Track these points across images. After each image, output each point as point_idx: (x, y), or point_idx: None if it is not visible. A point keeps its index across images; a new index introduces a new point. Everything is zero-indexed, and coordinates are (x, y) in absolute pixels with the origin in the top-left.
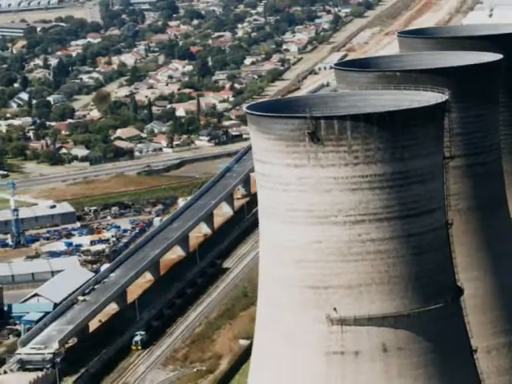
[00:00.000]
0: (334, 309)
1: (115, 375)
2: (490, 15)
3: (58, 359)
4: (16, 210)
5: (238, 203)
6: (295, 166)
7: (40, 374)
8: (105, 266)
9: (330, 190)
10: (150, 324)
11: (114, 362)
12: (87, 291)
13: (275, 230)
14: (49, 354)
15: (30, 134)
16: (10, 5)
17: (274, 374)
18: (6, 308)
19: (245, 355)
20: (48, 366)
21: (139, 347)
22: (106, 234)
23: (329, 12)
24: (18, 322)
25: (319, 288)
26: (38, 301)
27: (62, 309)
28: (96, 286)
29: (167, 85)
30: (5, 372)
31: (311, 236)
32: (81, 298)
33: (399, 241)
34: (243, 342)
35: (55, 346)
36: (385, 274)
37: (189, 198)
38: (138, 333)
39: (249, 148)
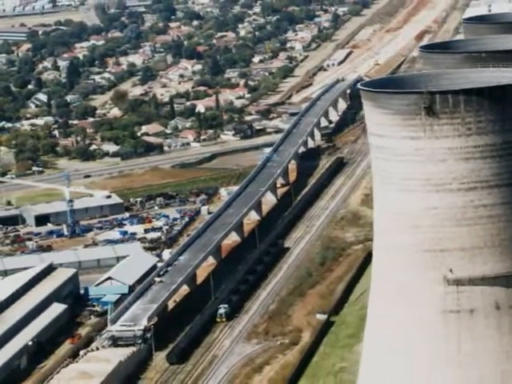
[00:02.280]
0: (450, 270)
1: (203, 349)
2: (489, 10)
3: (149, 335)
4: (71, 200)
5: (279, 191)
6: (411, 138)
7: (132, 349)
8: (166, 251)
9: (444, 160)
10: (230, 298)
11: (199, 337)
12: (162, 273)
13: (392, 198)
14: (139, 330)
15: (56, 132)
16: (4, 10)
17: (391, 333)
18: (82, 291)
19: (325, 328)
20: (139, 341)
21: (224, 319)
22: (157, 223)
23: (326, 11)
24: (95, 303)
25: (435, 251)
26: (111, 284)
27: (142, 290)
28: (168, 269)
29: (180, 83)
30: (97, 348)
31: (428, 203)
32: (157, 279)
33: (509, 206)
34: (320, 317)
35: (144, 322)
36: (496, 237)
37: (230, 187)
38: (221, 306)
39: (283, 139)
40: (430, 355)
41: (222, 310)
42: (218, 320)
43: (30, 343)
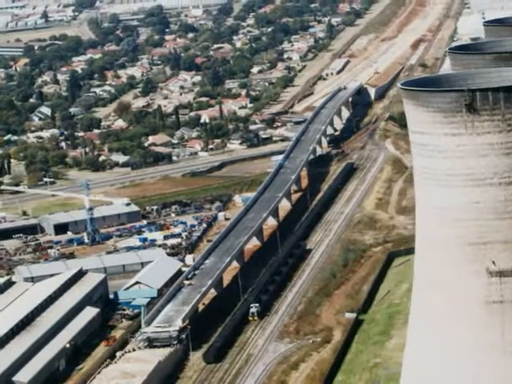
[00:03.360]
0: (493, 262)
1: (237, 349)
2: (483, 18)
3: (184, 336)
4: (91, 209)
5: (293, 197)
6: (453, 135)
7: (169, 349)
8: (189, 257)
9: (486, 155)
10: (260, 298)
11: (233, 337)
12: (190, 276)
13: (434, 193)
14: (174, 331)
15: (63, 144)
16: None
17: (435, 326)
18: (111, 296)
19: (355, 326)
20: (174, 342)
21: (255, 318)
22: (176, 230)
23: (320, 22)
24: (125, 307)
25: (478, 244)
26: (140, 288)
27: (173, 292)
28: (196, 272)
29: (181, 94)
30: (133, 350)
31: (470, 197)
32: (186, 282)
33: None
34: (349, 315)
35: (179, 323)
36: None
37: (244, 194)
38: (252, 305)
39: (293, 146)
40: (474, 346)
41: (254, 309)
42: (250, 319)
43: (68, 346)
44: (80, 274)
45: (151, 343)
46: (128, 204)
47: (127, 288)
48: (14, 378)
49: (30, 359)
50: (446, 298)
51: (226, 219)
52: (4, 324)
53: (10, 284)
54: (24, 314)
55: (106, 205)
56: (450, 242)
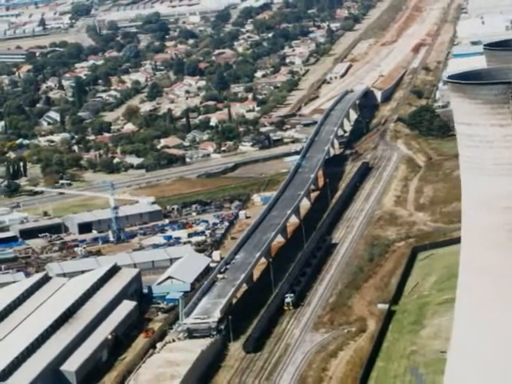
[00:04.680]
0: None
1: (275, 339)
2: (483, 23)
3: (222, 326)
4: (116, 207)
5: (312, 196)
6: (500, 126)
7: (209, 340)
8: (216, 253)
9: None
10: (293, 289)
11: (269, 327)
12: (222, 270)
13: (481, 182)
14: (213, 322)
15: (75, 147)
16: None
17: (483, 311)
18: (145, 290)
19: (388, 316)
20: (214, 333)
21: (291, 307)
22: (198, 228)
23: (319, 27)
24: (159, 301)
25: None
26: (172, 282)
27: (207, 286)
28: (227, 267)
29: (187, 99)
30: (173, 340)
31: None
32: (220, 276)
33: None
34: (381, 306)
35: (217, 315)
36: None
37: (262, 193)
38: (287, 295)
39: (308, 147)
40: None
41: (289, 299)
42: (286, 308)
43: (109, 337)
44: (114, 270)
45: (191, 334)
46: (154, 203)
47: (160, 283)
48: (62, 368)
49: (75, 350)
50: (492, 282)
51: (247, 217)
52: (47, 317)
53: (46, 279)
54: (65, 307)
55: (128, 204)
56: (497, 228)
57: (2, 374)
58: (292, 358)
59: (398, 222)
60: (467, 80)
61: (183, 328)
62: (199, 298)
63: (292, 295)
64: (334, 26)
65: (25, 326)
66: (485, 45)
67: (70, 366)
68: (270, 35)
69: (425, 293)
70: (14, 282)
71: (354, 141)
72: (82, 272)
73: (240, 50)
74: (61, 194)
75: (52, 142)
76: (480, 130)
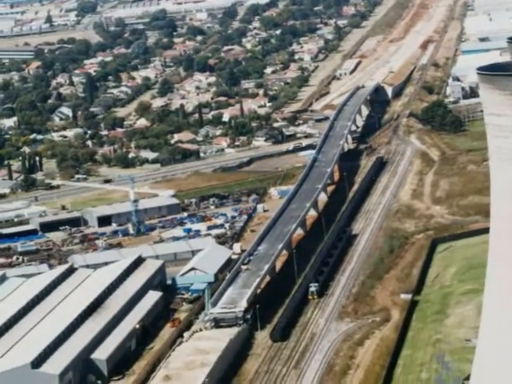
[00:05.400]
0: None
1: (300, 328)
2: (490, 19)
3: (249, 316)
4: (136, 201)
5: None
6: None
7: (236, 329)
8: (236, 245)
9: None
10: (317, 278)
11: (295, 317)
12: (246, 262)
13: (511, 172)
14: (240, 311)
15: (89, 142)
16: (2, 31)
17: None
18: (169, 281)
19: (412, 306)
20: (240, 322)
21: (315, 296)
22: (217, 221)
23: (326, 24)
24: (184, 292)
25: None
26: (195, 274)
27: (232, 277)
28: (250, 258)
29: (198, 94)
30: (200, 330)
31: None
32: (244, 267)
33: None
34: (404, 296)
35: (244, 304)
36: None
37: (279, 187)
38: (311, 284)
39: (323, 141)
40: None
41: (313, 288)
42: (310, 298)
43: (137, 326)
44: (139, 261)
45: (217, 323)
46: (173, 196)
47: (183, 274)
48: (93, 356)
49: (105, 339)
50: None
51: (265, 211)
52: (75, 307)
53: (72, 270)
54: (93, 297)
55: (147, 198)
56: None
57: (35, 362)
58: (319, 347)
59: (415, 215)
60: (495, 71)
61: (210, 317)
62: (224, 288)
63: (316, 284)
64: (341, 22)
65: (54, 315)
66: (508, 38)
67: (101, 354)
68: (278, 32)
69: (446, 283)
70: (39, 273)
71: (367, 136)
72: (105, 264)
73: (248, 46)
74: (82, 187)
75: (65, 137)
76: (509, 120)
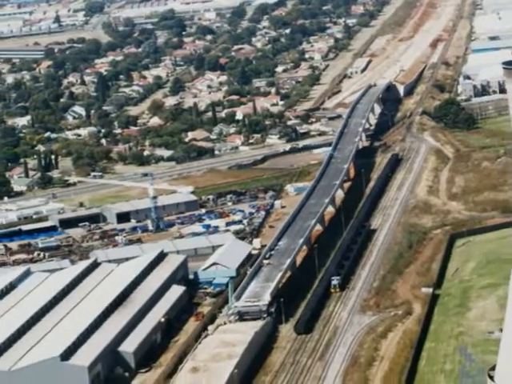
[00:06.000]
0: None
1: (323, 321)
2: (499, 18)
3: (273, 309)
4: (155, 197)
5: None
6: None
7: (260, 322)
8: (256, 240)
9: None
10: (338, 272)
11: (317, 310)
12: (267, 256)
13: None
14: (264, 305)
15: (103, 140)
16: (12, 31)
17: None
18: (191, 276)
19: (433, 300)
20: (264, 315)
21: (337, 289)
22: (235, 217)
23: (335, 23)
24: (206, 286)
25: None
26: (217, 268)
27: (254, 271)
28: (272, 253)
29: (210, 93)
30: (224, 323)
31: None
32: (265, 261)
33: None
34: (425, 290)
35: (267, 298)
36: None
37: (295, 184)
38: (334, 278)
39: (338, 139)
40: None
41: (335, 281)
42: (332, 291)
43: (162, 320)
44: (162, 256)
45: (241, 317)
46: (193, 192)
47: (205, 268)
48: (120, 348)
49: (131, 332)
50: None
51: (282, 207)
52: (101, 300)
53: (96, 265)
54: (118, 291)
55: (165, 195)
56: None
57: (64, 354)
58: (342, 339)
59: (432, 211)
60: None
61: (234, 311)
62: (247, 282)
63: (338, 278)
64: (350, 22)
65: (81, 308)
66: None
67: (128, 346)
68: (287, 31)
69: (466, 277)
70: (61, 268)
71: (380, 133)
72: (127, 259)
73: (259, 45)
74: (100, 185)
75: (79, 135)
76: None
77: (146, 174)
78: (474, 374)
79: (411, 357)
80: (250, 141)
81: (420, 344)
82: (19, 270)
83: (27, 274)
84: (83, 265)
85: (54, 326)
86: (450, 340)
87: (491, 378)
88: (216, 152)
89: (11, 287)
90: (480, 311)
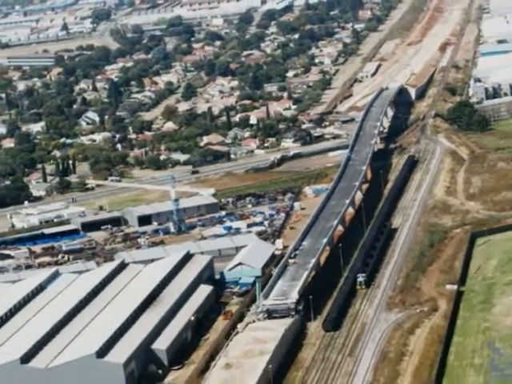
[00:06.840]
0: None
1: (351, 319)
2: (507, 21)
3: (301, 307)
4: (177, 200)
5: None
6: None
7: (290, 319)
8: (278, 241)
9: None
10: (364, 270)
11: (344, 308)
12: (292, 256)
13: None
14: (292, 303)
15: (118, 145)
16: (19, 39)
17: None
18: (217, 276)
19: (458, 296)
20: (292, 313)
21: (363, 286)
22: (256, 219)
23: (343, 28)
24: (232, 286)
25: None
26: (242, 268)
27: (280, 270)
28: (296, 252)
29: (222, 98)
30: (253, 321)
31: None
32: (291, 261)
33: None
34: (450, 287)
35: (295, 296)
36: None
37: (313, 186)
38: (359, 275)
39: (355, 141)
40: None
41: (361, 278)
42: (358, 288)
43: (192, 318)
44: (188, 257)
45: (270, 315)
46: (215, 194)
47: (231, 269)
48: (153, 346)
49: (163, 330)
50: None
51: (302, 209)
52: (132, 300)
53: (123, 266)
54: (148, 290)
55: (185, 197)
56: None
57: (99, 352)
58: (371, 336)
59: (451, 211)
60: None
61: (263, 309)
62: (274, 281)
63: (364, 275)
64: (358, 26)
65: (112, 307)
66: None
67: (161, 344)
68: (296, 36)
69: (489, 275)
70: (87, 270)
71: (394, 136)
72: (152, 260)
73: (268, 50)
74: (120, 188)
75: (93, 140)
76: None
77: (173, 177)
78: (503, 368)
79: (440, 351)
80: (265, 144)
81: (448, 339)
82: (47, 271)
83: (56, 275)
84: (111, 266)
85: (87, 324)
86: (477, 335)
87: None
88: (232, 156)
89: (41, 288)
90: (505, 307)
